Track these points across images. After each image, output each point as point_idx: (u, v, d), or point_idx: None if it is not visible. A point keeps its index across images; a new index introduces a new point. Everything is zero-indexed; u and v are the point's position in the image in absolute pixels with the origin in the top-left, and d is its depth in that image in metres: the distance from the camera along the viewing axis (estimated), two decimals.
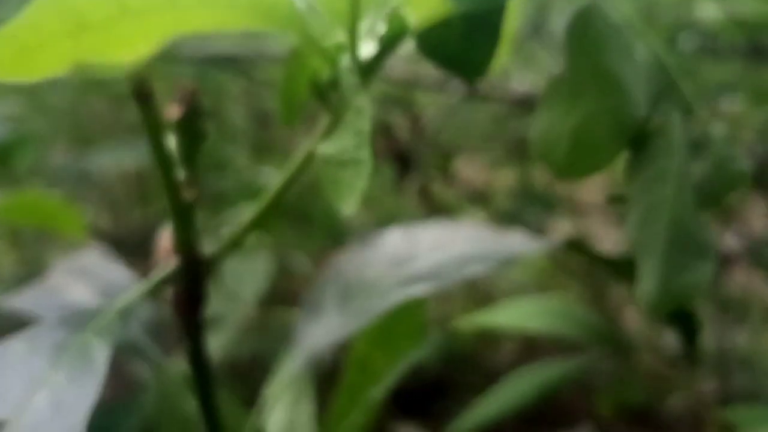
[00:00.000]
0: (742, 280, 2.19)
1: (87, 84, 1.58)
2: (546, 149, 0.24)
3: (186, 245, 0.28)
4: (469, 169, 1.92)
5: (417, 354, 0.43)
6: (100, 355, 0.24)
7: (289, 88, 0.28)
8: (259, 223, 0.29)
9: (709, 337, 2.19)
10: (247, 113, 1.74)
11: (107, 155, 1.22)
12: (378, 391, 0.40)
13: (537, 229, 1.64)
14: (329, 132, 0.27)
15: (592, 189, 2.51)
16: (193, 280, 0.29)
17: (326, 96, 0.27)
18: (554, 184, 1.78)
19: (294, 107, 0.28)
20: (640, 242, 0.23)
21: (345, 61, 0.26)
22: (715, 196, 0.23)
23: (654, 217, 0.23)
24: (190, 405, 0.35)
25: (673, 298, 0.23)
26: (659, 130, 0.22)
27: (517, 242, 0.38)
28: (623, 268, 0.42)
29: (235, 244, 0.30)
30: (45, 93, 1.54)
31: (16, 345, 0.24)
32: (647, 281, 0.23)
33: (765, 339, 2.25)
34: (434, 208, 1.34)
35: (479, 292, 2.18)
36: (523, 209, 1.39)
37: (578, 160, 0.23)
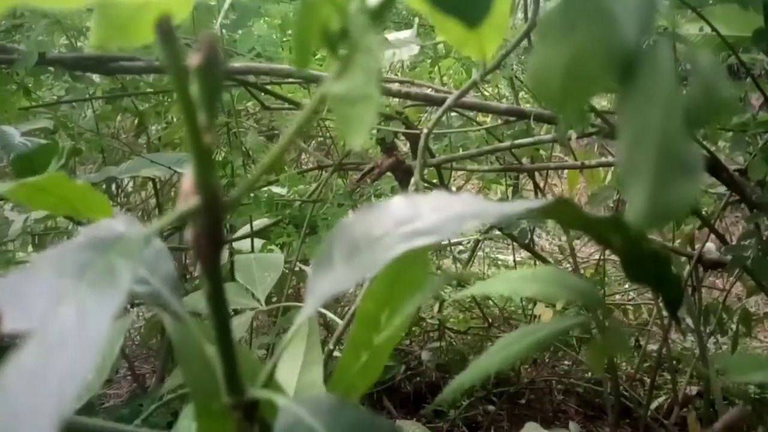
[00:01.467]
0: (722, 286, 2.18)
1: (109, 108, 1.60)
2: (541, 82, 0.24)
3: (206, 185, 0.28)
4: (463, 180, 1.93)
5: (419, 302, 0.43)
6: (124, 274, 0.24)
7: (301, 36, 0.28)
8: (273, 166, 0.29)
9: (691, 343, 2.18)
10: (258, 130, 1.75)
11: (126, 169, 1.23)
12: (382, 340, 0.40)
13: (527, 238, 1.64)
14: (339, 75, 0.27)
15: (582, 200, 2.50)
16: (212, 221, 0.29)
17: (336, 44, 0.27)
18: (545, 197, 1.78)
19: (306, 54, 0.28)
20: (630, 164, 0.23)
21: (354, 5, 0.26)
22: (701, 118, 0.22)
23: (644, 138, 0.22)
24: (209, 351, 0.35)
25: (662, 214, 0.23)
26: (648, 56, 0.22)
27: (511, 204, 0.38)
28: (608, 228, 0.42)
29: (251, 187, 0.29)
30: (71, 114, 1.55)
31: (43, 264, 0.24)
32: (637, 200, 0.23)
33: (745, 343, 2.24)
34: None
35: (471, 302, 2.18)
36: (515, 219, 1.38)
37: (571, 91, 0.23)
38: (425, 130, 0.79)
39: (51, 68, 1.37)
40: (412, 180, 0.79)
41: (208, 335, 0.36)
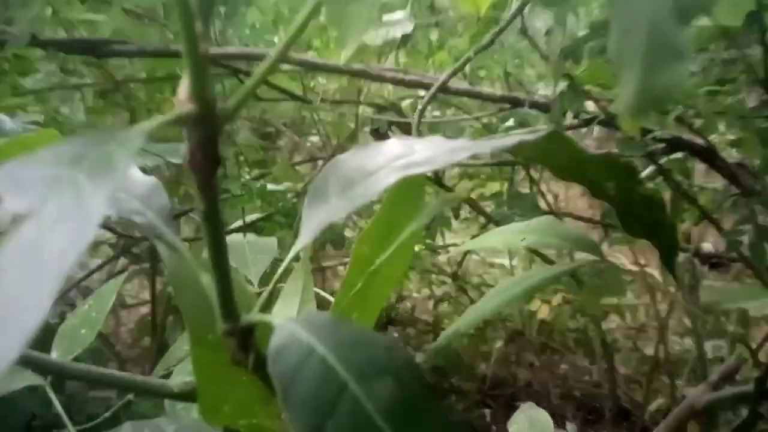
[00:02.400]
0: (719, 286, 2.19)
1: (101, 103, 1.60)
2: None
3: (202, 94, 0.29)
4: (457, 178, 1.93)
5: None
6: (122, 162, 0.24)
7: None
8: (270, 72, 0.29)
9: (689, 343, 2.18)
10: (251, 128, 1.76)
11: None
12: (376, 268, 0.40)
13: None
14: None
15: (573, 195, 2.51)
16: (208, 133, 0.30)
17: None
18: (538, 190, 1.79)
19: None
20: (621, 52, 0.24)
21: None
22: (689, 10, 0.23)
23: (634, 24, 0.23)
24: (204, 279, 0.36)
25: (651, 100, 0.23)
26: None
27: (504, 139, 0.39)
28: (602, 170, 0.43)
29: (247, 97, 0.30)
30: (61, 105, 1.56)
31: (39, 154, 0.25)
32: (628, 87, 0.23)
33: (743, 344, 2.25)
34: None
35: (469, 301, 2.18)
36: (511, 211, 1.39)
37: None
38: (419, 106, 0.80)
39: (42, 61, 1.37)
40: None
41: (203, 267, 0.37)
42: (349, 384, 0.29)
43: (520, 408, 0.84)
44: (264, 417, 0.40)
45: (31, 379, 0.54)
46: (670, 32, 0.23)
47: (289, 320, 0.32)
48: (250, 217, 1.49)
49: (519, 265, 2.23)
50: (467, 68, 1.48)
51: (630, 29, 0.23)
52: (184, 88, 0.29)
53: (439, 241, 1.95)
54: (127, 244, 1.66)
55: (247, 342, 0.35)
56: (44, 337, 0.61)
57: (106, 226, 1.65)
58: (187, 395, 0.42)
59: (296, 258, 0.37)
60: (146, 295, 2.21)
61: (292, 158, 1.94)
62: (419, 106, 0.81)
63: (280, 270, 0.36)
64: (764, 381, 0.42)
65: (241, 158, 1.61)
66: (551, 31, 0.91)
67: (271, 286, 0.36)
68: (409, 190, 0.45)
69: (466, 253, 2.03)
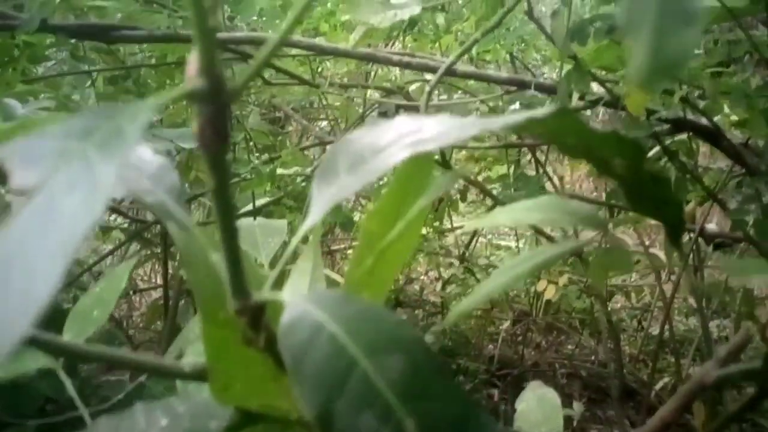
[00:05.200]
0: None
1: (111, 89, 1.60)
2: None
3: (211, 67, 0.28)
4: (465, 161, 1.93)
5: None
6: (132, 134, 0.24)
7: None
8: (278, 48, 0.29)
9: (694, 324, 2.18)
10: (260, 113, 1.75)
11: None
12: (386, 245, 0.40)
13: None
14: None
15: (578, 177, 2.50)
16: (217, 108, 0.29)
17: None
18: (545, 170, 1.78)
19: None
20: (631, 17, 0.23)
21: None
22: None
23: None
24: (215, 258, 0.35)
25: (664, 63, 0.23)
26: None
27: (512, 116, 0.38)
28: (610, 146, 0.42)
29: (255, 74, 0.30)
30: (71, 92, 1.56)
31: (49, 128, 0.24)
32: (639, 51, 0.23)
33: (747, 324, 2.24)
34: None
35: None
36: (517, 193, 1.38)
37: None
38: (427, 88, 0.79)
39: (53, 47, 1.37)
40: None
41: (214, 246, 0.36)
42: (359, 360, 0.29)
43: (528, 386, 0.83)
44: (275, 395, 0.40)
45: (43, 361, 0.54)
46: None
47: (299, 297, 0.32)
48: (260, 201, 1.49)
49: (526, 248, 2.22)
50: (473, 52, 1.48)
51: None
52: (193, 63, 0.29)
53: (447, 224, 1.95)
54: (138, 228, 1.66)
55: (258, 320, 0.35)
56: (56, 321, 0.61)
57: (118, 210, 1.65)
58: (198, 375, 0.42)
59: (306, 237, 0.36)
60: (158, 280, 2.21)
61: (300, 143, 1.94)
62: (426, 89, 0.81)
63: (290, 248, 0.36)
64: None
65: (251, 143, 1.61)
66: (557, 12, 0.90)
67: (281, 264, 0.36)
68: (417, 167, 0.44)
69: (474, 235, 2.02)
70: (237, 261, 0.34)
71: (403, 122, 0.38)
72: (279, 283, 0.36)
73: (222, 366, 0.38)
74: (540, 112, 0.36)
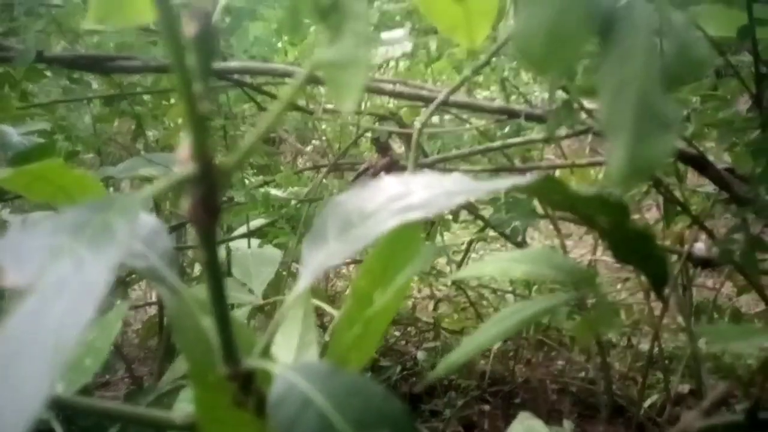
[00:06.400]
0: (712, 285, 2.19)
1: (107, 111, 1.60)
2: (524, 44, 0.24)
3: (202, 152, 0.29)
4: None
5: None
6: (122, 231, 0.24)
7: (293, 10, 0.29)
8: (268, 132, 0.29)
9: (682, 341, 2.18)
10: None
11: (124, 168, 1.23)
12: (368, 314, 0.40)
13: (519, 236, 1.64)
14: (330, 44, 0.27)
15: None
16: (208, 189, 0.29)
17: (326, 14, 0.28)
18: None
19: (297, 26, 0.29)
20: (610, 118, 0.23)
21: None
22: (678, 78, 0.23)
23: (623, 92, 0.23)
24: (205, 323, 0.35)
25: (640, 166, 0.23)
26: (625, 14, 0.23)
27: (498, 182, 0.38)
28: (594, 206, 0.42)
29: (248, 154, 0.30)
30: (68, 116, 1.56)
31: (39, 221, 0.24)
32: (618, 153, 0.23)
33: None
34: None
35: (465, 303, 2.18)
36: (508, 215, 1.39)
37: (553, 52, 0.24)
38: (417, 125, 0.79)
39: (48, 72, 1.37)
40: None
41: (204, 309, 0.37)
42: None
43: (518, 418, 0.83)
44: None
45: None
46: (658, 102, 0.23)
47: (288, 369, 0.32)
48: (254, 223, 1.49)
49: None
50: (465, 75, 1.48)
51: (619, 96, 0.23)
52: (184, 148, 0.29)
53: (439, 243, 1.95)
54: None
55: (249, 385, 0.35)
56: None
57: None
58: (190, 427, 0.42)
59: (297, 299, 0.37)
60: (153, 296, 2.21)
61: (294, 163, 1.94)
62: (419, 119, 0.81)
63: (281, 313, 0.36)
64: (755, 412, 0.42)
65: (246, 166, 1.61)
66: None
67: (271, 328, 0.36)
68: (405, 224, 0.44)
69: (465, 255, 2.03)
70: (228, 328, 0.34)
71: (390, 185, 0.38)
72: (269, 345, 0.37)
73: (212, 427, 0.38)
74: (525, 180, 0.37)
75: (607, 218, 0.44)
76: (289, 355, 0.48)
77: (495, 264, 0.50)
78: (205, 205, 0.30)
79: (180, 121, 1.75)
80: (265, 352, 0.36)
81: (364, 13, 0.24)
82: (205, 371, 0.36)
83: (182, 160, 0.29)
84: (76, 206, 0.25)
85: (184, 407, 0.50)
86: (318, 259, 0.36)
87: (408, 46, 0.81)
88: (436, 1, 0.46)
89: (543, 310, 0.44)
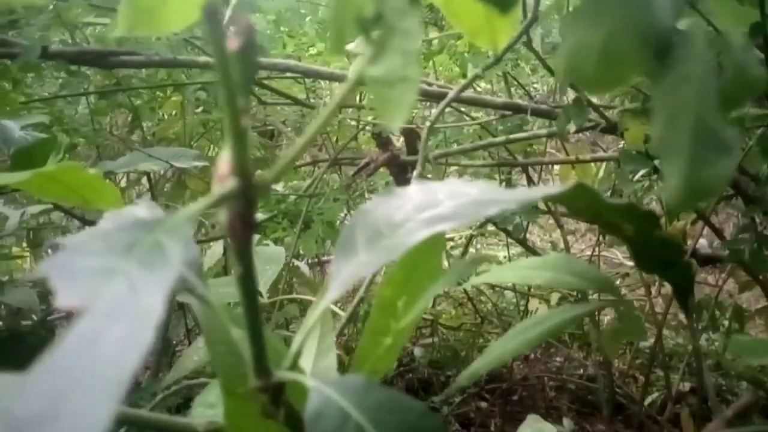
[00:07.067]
0: (714, 282, 2.20)
1: (103, 103, 1.60)
2: (575, 64, 0.24)
3: (243, 168, 0.29)
4: (456, 176, 1.93)
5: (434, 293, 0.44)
6: (173, 250, 0.24)
7: (337, 23, 0.29)
8: (305, 148, 0.29)
9: (684, 340, 2.19)
10: (252, 126, 1.75)
11: (124, 163, 1.22)
12: (399, 325, 0.41)
13: (522, 233, 1.65)
14: (374, 60, 0.28)
15: None
16: (247, 203, 0.30)
17: (369, 28, 0.28)
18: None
19: (341, 40, 0.29)
20: (665, 142, 0.24)
21: None
22: (735, 99, 0.23)
23: (679, 117, 0.23)
24: (235, 334, 0.36)
25: (697, 191, 0.23)
26: (683, 37, 0.23)
27: (530, 190, 0.39)
28: (622, 215, 0.43)
29: (286, 170, 0.30)
30: (66, 109, 1.55)
31: (88, 242, 0.24)
32: (672, 178, 0.24)
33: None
34: None
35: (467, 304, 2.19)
36: (510, 211, 1.39)
37: (606, 73, 0.24)
38: (427, 123, 0.80)
39: (46, 63, 1.37)
40: (414, 173, 0.79)
41: (235, 320, 0.37)
42: None
43: (526, 421, 0.84)
44: None
45: None
46: (716, 125, 0.23)
47: (322, 383, 0.32)
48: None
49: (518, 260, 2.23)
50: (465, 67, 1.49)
51: (675, 118, 0.23)
52: (224, 162, 0.29)
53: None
54: None
55: (279, 397, 0.35)
56: None
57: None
58: None
59: (323, 311, 0.37)
60: None
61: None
62: (427, 124, 0.82)
63: (308, 324, 0.37)
64: None
65: None
66: (558, 45, 0.90)
67: (300, 339, 0.37)
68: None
69: (465, 250, 2.03)
70: (260, 341, 0.34)
71: (416, 193, 0.39)
72: (298, 357, 0.37)
73: None
74: (556, 189, 0.37)
75: (634, 226, 0.44)
76: (308, 362, 0.48)
77: (516, 271, 0.50)
78: (243, 220, 0.30)
79: (174, 113, 1.75)
80: (294, 363, 0.37)
81: (414, 31, 0.25)
82: (235, 382, 0.37)
83: (222, 175, 0.29)
84: (124, 227, 0.25)
85: (201, 412, 0.50)
86: (348, 270, 0.37)
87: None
88: (460, 5, 0.46)
89: (568, 320, 0.44)
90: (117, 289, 0.23)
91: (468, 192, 0.38)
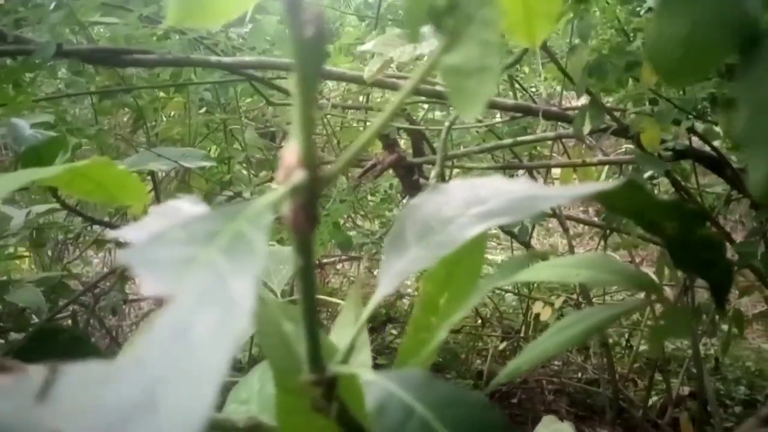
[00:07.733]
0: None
1: (108, 103, 1.59)
2: (658, 54, 0.24)
3: (310, 160, 0.29)
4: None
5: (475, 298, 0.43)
6: (257, 239, 0.24)
7: (411, 12, 0.29)
8: (371, 141, 0.29)
9: (682, 343, 2.20)
10: (255, 127, 1.75)
11: (132, 162, 1.22)
12: (442, 325, 0.40)
13: (527, 236, 1.65)
14: (447, 49, 0.27)
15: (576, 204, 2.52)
16: (312, 195, 0.29)
17: (442, 18, 0.28)
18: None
19: (416, 30, 0.29)
20: (750, 135, 0.24)
21: None
22: None
23: (765, 110, 0.23)
24: (286, 328, 0.36)
25: None
26: None
27: (582, 187, 0.39)
28: (667, 213, 0.43)
29: (348, 164, 0.30)
30: (70, 108, 1.55)
31: (170, 230, 0.24)
32: (759, 170, 0.23)
33: (736, 344, 2.26)
34: None
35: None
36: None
37: (689, 64, 0.24)
38: (446, 124, 0.80)
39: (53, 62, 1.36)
40: (432, 173, 0.79)
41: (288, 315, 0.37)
42: None
43: (542, 422, 0.84)
44: None
45: None
46: None
47: (381, 377, 0.32)
48: None
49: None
50: None
51: (762, 110, 0.23)
52: (291, 153, 0.29)
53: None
54: None
55: (332, 391, 0.35)
56: (79, 351, 0.60)
57: (109, 224, 1.64)
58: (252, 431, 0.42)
59: (372, 311, 0.37)
60: None
61: None
62: (446, 124, 0.81)
63: (360, 321, 0.36)
64: None
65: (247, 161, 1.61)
66: (575, 49, 0.91)
67: (354, 334, 0.36)
68: None
69: None
70: (316, 336, 0.34)
71: (460, 189, 0.38)
72: (350, 353, 0.37)
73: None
74: (610, 184, 0.37)
75: (678, 225, 0.44)
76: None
77: (552, 269, 0.50)
78: (307, 213, 0.30)
79: (175, 114, 1.74)
80: (347, 358, 0.36)
81: (493, 21, 0.24)
82: (287, 376, 0.36)
83: (290, 167, 0.29)
84: (204, 215, 0.25)
85: (235, 409, 0.50)
86: (399, 265, 0.36)
87: (435, 44, 0.81)
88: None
89: (608, 318, 0.44)
90: (202, 277, 0.22)
91: (511, 189, 0.38)
